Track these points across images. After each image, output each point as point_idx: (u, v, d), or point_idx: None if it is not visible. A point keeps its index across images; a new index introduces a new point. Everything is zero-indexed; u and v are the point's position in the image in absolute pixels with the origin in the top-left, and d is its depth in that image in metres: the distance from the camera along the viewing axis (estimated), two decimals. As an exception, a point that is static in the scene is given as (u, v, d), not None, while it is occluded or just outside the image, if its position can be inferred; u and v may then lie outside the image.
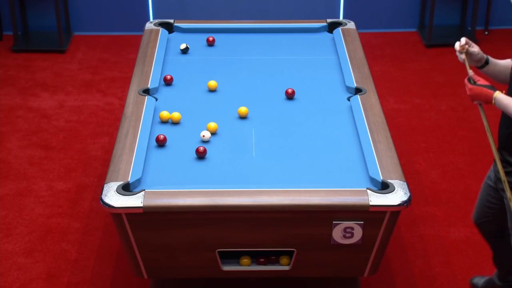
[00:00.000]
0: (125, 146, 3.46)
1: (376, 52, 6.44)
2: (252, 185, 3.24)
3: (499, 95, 2.93)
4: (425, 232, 4.30)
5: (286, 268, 3.34)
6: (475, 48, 3.18)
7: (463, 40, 3.14)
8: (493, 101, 2.97)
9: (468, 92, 3.10)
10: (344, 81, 4.10)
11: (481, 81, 3.08)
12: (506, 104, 2.89)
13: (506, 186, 3.01)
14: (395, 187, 3.19)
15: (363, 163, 3.42)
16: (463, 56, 3.18)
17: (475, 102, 3.13)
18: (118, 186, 3.17)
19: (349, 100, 3.94)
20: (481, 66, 3.17)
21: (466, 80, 3.12)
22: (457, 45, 3.15)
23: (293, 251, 3.27)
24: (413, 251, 4.14)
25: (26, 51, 6.43)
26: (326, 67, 4.33)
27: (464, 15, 6.76)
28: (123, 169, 3.28)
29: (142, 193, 3.13)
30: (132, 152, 3.41)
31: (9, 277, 3.98)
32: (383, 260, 3.61)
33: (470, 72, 3.12)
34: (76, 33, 6.75)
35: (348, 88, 4.04)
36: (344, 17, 6.60)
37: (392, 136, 3.62)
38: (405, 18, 6.83)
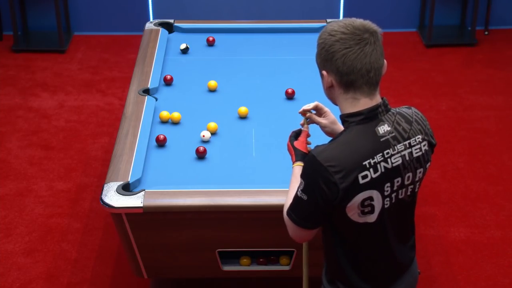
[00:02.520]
0: (125, 146, 3.46)
1: (376, 52, 6.43)
2: (252, 185, 3.24)
3: (295, 167, 2.56)
4: (425, 232, 4.30)
5: (286, 268, 3.34)
6: (323, 120, 2.70)
7: (311, 105, 2.72)
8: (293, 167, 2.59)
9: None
10: (344, 81, 4.10)
11: (300, 143, 2.64)
12: (293, 176, 2.55)
13: None
14: (395, 187, 3.18)
15: (363, 163, 3.41)
16: (303, 124, 2.73)
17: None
18: (118, 186, 3.17)
19: (349, 100, 3.93)
20: None
21: (291, 132, 2.71)
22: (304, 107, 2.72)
23: (293, 251, 3.27)
24: (413, 251, 4.14)
25: (26, 51, 6.43)
26: (326, 67, 4.32)
27: (464, 15, 6.76)
28: (123, 169, 3.28)
29: (142, 193, 3.13)
30: (132, 152, 3.41)
31: (9, 277, 3.98)
32: (383, 260, 3.61)
33: (304, 127, 2.71)
34: (76, 33, 6.75)
35: (348, 88, 4.03)
36: (344, 17, 6.59)
37: (392, 136, 3.62)
38: (405, 18, 6.83)
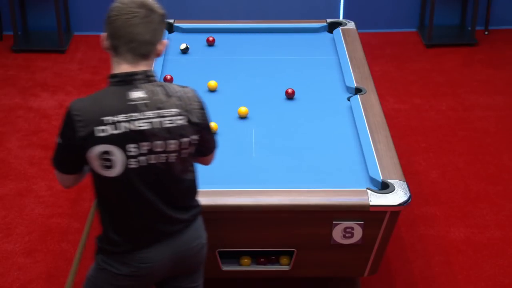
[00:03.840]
0: (125, 146, 3.45)
1: (376, 52, 6.44)
2: (252, 185, 3.24)
3: None
4: (425, 232, 4.30)
5: (286, 268, 3.34)
6: None
7: None
8: None
9: None
10: (344, 81, 4.11)
11: None
12: None
13: None
14: (395, 187, 3.19)
15: (363, 163, 3.42)
16: None
17: None
18: (118, 186, 3.17)
19: (349, 100, 3.94)
20: None
21: None
22: None
23: (293, 251, 3.27)
24: (413, 251, 4.14)
25: (26, 51, 6.43)
26: (326, 67, 4.33)
27: (464, 15, 6.76)
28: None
29: (142, 193, 3.12)
30: (132, 152, 3.40)
31: (9, 277, 3.98)
32: (383, 260, 3.62)
33: None
34: (76, 33, 6.75)
35: (348, 88, 4.04)
36: (344, 17, 6.59)
37: (392, 136, 3.62)
38: (405, 18, 6.83)
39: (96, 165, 2.51)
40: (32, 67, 6.18)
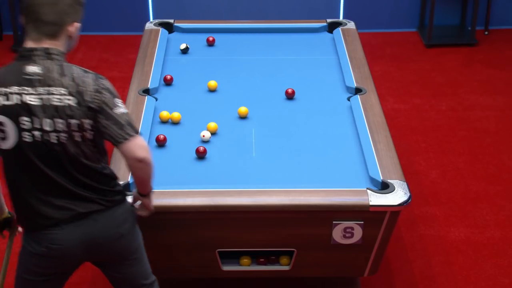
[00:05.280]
0: (125, 146, 3.45)
1: (376, 52, 6.44)
2: (252, 185, 3.24)
3: None
4: (425, 232, 4.30)
5: (286, 268, 3.34)
6: None
7: None
8: None
9: None
10: (344, 81, 4.11)
11: None
12: None
13: None
14: (395, 187, 3.19)
15: (363, 163, 3.42)
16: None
17: None
18: (118, 186, 3.17)
19: (349, 100, 3.94)
20: None
21: None
22: None
23: (293, 251, 3.27)
24: (413, 251, 4.14)
25: (26, 51, 6.42)
26: (326, 67, 4.33)
27: (464, 15, 6.76)
28: (123, 169, 3.27)
29: (142, 193, 3.12)
30: (132, 152, 3.40)
31: (9, 277, 3.97)
32: (383, 260, 3.62)
33: None
34: (76, 33, 6.74)
35: (348, 88, 4.04)
36: (344, 17, 6.59)
37: (392, 136, 3.62)
38: (405, 18, 6.83)
39: None
40: (32, 67, 6.18)
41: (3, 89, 2.55)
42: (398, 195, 3.15)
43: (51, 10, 2.58)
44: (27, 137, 2.57)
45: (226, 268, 3.33)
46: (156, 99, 3.92)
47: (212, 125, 3.65)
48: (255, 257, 3.36)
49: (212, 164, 3.43)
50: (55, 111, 2.56)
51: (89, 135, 2.63)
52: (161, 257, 3.27)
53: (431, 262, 4.07)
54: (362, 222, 3.15)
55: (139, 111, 3.75)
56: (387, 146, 3.49)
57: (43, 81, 2.56)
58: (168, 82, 4.11)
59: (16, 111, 2.55)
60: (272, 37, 4.71)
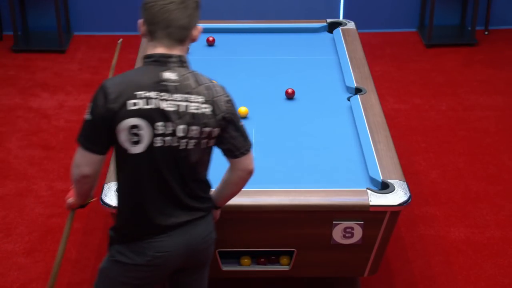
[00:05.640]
0: (125, 146, 3.45)
1: (376, 52, 6.44)
2: (252, 185, 3.23)
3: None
4: (425, 232, 4.30)
5: (286, 268, 3.34)
6: None
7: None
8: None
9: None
10: (344, 81, 4.11)
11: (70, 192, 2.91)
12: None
13: None
14: (395, 187, 3.19)
15: (363, 163, 3.42)
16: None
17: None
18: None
19: (349, 100, 3.94)
20: None
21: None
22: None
23: (293, 251, 3.27)
24: (413, 251, 4.15)
25: (26, 51, 6.43)
26: (326, 67, 4.33)
27: (464, 15, 6.76)
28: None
29: (142, 193, 3.12)
30: (132, 152, 3.40)
31: (9, 277, 3.98)
32: (383, 260, 3.62)
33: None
34: (76, 33, 6.75)
35: (348, 88, 4.04)
36: (344, 17, 6.60)
37: (392, 136, 3.62)
38: (405, 18, 6.83)
39: (124, 139, 2.54)
40: (32, 67, 6.18)
41: (143, 93, 2.52)
42: (398, 195, 3.15)
43: (182, 15, 2.55)
44: (158, 142, 2.55)
45: (226, 268, 3.33)
46: (156, 99, 3.92)
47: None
48: (255, 257, 3.36)
49: (212, 164, 3.42)
50: (191, 118, 2.55)
51: (212, 143, 2.64)
52: (161, 257, 3.27)
53: (431, 262, 4.07)
54: (362, 222, 3.15)
55: (139, 111, 3.75)
56: (387, 146, 3.49)
57: (180, 88, 2.56)
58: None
59: (153, 116, 2.53)
60: (272, 37, 4.71)
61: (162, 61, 2.57)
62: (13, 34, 6.41)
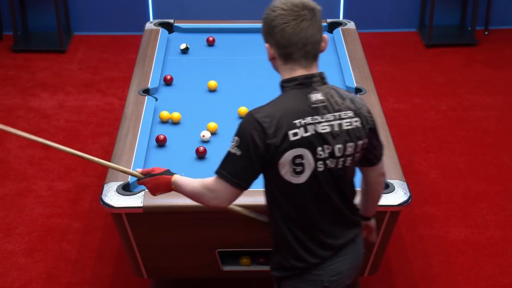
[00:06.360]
0: (125, 146, 3.46)
1: (376, 52, 6.44)
2: (252, 185, 3.23)
3: (177, 178, 2.67)
4: (425, 232, 4.30)
5: (286, 268, 3.34)
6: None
7: None
8: (172, 186, 2.68)
9: (148, 188, 2.76)
10: (344, 81, 4.10)
11: (156, 170, 2.75)
12: (182, 185, 2.65)
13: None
14: (395, 187, 3.19)
15: (363, 163, 3.41)
16: None
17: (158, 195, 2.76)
18: (118, 186, 3.17)
19: (349, 100, 3.93)
20: None
21: (138, 182, 2.80)
22: None
23: (293, 251, 3.26)
24: (413, 251, 4.14)
25: (26, 51, 6.43)
26: (326, 67, 4.28)
27: (464, 15, 6.76)
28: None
29: (142, 193, 3.13)
30: (132, 152, 3.41)
31: (9, 277, 3.98)
32: (383, 260, 3.61)
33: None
34: (76, 33, 6.75)
35: (348, 88, 4.04)
36: (344, 17, 6.59)
37: (392, 136, 3.62)
38: (405, 18, 6.83)
39: (286, 172, 2.43)
40: (32, 67, 6.18)
41: (301, 121, 2.40)
42: (398, 195, 3.15)
43: (314, 30, 2.43)
44: (320, 166, 2.45)
45: (226, 268, 3.33)
46: (156, 99, 3.92)
47: (212, 125, 3.65)
48: (255, 257, 3.36)
49: (212, 164, 3.41)
50: (347, 135, 2.47)
51: (360, 155, 2.57)
52: (161, 257, 3.27)
53: (431, 262, 4.07)
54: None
55: (139, 111, 3.75)
56: (387, 146, 3.49)
57: (329, 107, 2.46)
58: (168, 82, 4.11)
59: (313, 142, 2.42)
60: (272, 37, 4.70)
61: (306, 83, 2.46)
62: (13, 34, 6.42)
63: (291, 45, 2.42)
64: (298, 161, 2.42)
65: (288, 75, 2.47)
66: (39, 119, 5.44)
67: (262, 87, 4.12)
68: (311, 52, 2.46)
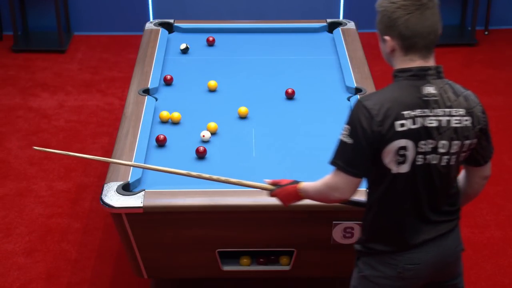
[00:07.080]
0: (125, 146, 3.46)
1: (376, 52, 6.42)
2: (252, 185, 3.24)
3: (303, 185, 2.74)
4: (425, 232, 4.29)
5: (286, 268, 3.34)
6: None
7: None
8: (301, 194, 2.74)
9: (279, 199, 2.84)
10: (344, 81, 4.11)
11: (283, 182, 2.83)
12: (307, 190, 2.72)
13: None
14: (395, 187, 3.18)
15: (363, 163, 3.41)
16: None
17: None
18: (118, 186, 3.17)
19: (349, 100, 3.94)
20: None
21: (269, 195, 2.87)
22: None
23: (293, 251, 3.27)
24: (413, 251, 4.14)
25: (26, 51, 6.43)
26: (326, 67, 4.33)
27: (464, 15, 6.76)
28: (123, 169, 3.28)
29: (142, 193, 3.13)
30: (132, 152, 3.41)
31: (9, 277, 3.98)
32: (383, 260, 3.61)
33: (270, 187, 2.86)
34: (76, 33, 6.75)
35: (348, 88, 4.04)
36: (344, 17, 6.59)
37: (392, 136, 3.61)
38: (405, 18, 6.82)
39: (389, 161, 2.46)
40: (32, 67, 6.18)
41: (410, 112, 2.41)
42: (398, 195, 3.14)
43: (436, 18, 2.44)
44: (419, 160, 2.46)
45: (226, 268, 3.33)
46: (156, 99, 3.92)
47: (212, 125, 3.65)
48: (255, 257, 3.36)
49: (212, 164, 3.43)
50: (454, 133, 2.46)
51: (467, 154, 2.56)
52: (161, 257, 3.27)
53: (431, 262, 4.07)
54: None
55: (139, 111, 3.75)
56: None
57: (440, 102, 2.45)
58: (168, 82, 4.11)
59: (419, 135, 2.43)
60: (272, 37, 4.71)
61: (420, 75, 2.45)
62: (13, 34, 6.42)
63: (416, 35, 2.42)
64: (402, 152, 2.44)
65: (405, 65, 2.47)
66: (39, 119, 5.44)
67: (262, 87, 4.12)
68: (432, 43, 2.45)
